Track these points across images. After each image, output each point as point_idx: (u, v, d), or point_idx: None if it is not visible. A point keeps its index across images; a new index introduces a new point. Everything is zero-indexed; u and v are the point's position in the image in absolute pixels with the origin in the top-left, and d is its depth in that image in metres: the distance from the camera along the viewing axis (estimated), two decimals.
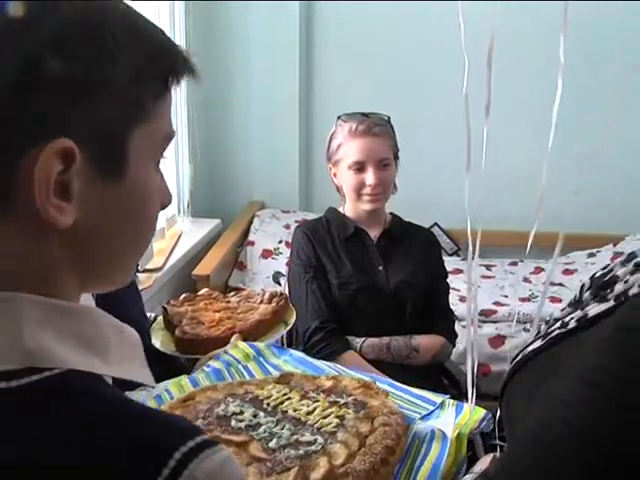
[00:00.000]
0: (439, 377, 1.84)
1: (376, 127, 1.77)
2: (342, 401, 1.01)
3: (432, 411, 1.04)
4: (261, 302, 1.50)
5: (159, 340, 1.39)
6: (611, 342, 0.54)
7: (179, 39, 2.65)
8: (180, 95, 2.69)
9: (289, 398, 1.03)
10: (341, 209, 1.90)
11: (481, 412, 1.01)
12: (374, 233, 1.86)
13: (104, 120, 0.52)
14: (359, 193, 1.78)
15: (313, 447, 0.89)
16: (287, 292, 1.99)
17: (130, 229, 0.59)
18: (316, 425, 0.95)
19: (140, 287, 1.93)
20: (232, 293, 1.62)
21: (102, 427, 0.49)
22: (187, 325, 1.40)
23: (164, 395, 1.13)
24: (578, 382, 0.55)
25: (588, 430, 0.52)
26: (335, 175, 1.85)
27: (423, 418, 1.01)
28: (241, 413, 1.00)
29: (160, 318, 1.48)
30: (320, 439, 0.91)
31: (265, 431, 0.94)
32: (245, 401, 1.03)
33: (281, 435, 0.93)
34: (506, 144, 3.09)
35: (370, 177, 1.74)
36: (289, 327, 1.45)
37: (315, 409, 0.99)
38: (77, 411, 0.49)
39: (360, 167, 1.75)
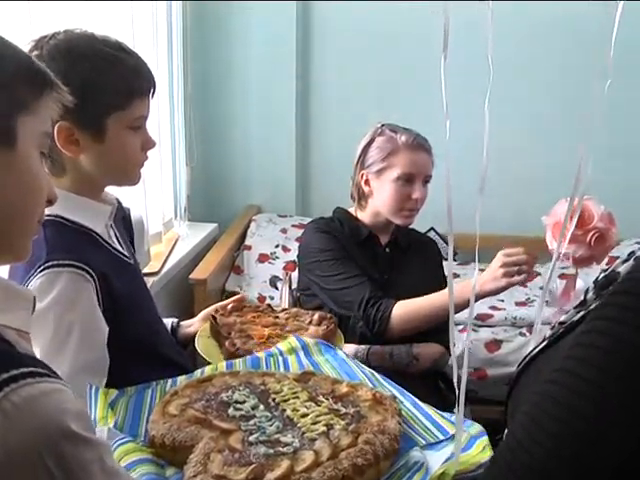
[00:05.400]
0: (436, 381, 1.84)
1: (427, 143, 1.77)
2: (343, 411, 0.99)
3: (440, 441, 0.97)
4: (310, 322, 1.50)
5: (205, 349, 1.39)
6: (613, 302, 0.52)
7: (176, 40, 2.65)
8: (177, 98, 2.69)
9: (297, 397, 1.03)
10: (352, 211, 1.88)
11: (486, 454, 0.90)
12: (383, 240, 1.86)
13: None
14: (401, 207, 1.76)
15: (285, 449, 0.89)
16: (287, 294, 1.98)
17: (20, 200, 0.71)
18: (303, 429, 0.94)
19: None
20: (280, 308, 1.63)
21: None
22: (237, 338, 1.40)
23: (196, 374, 1.17)
24: (576, 344, 0.52)
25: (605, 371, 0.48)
26: (367, 183, 1.80)
27: (427, 447, 0.96)
28: (242, 402, 1.01)
29: (207, 325, 1.48)
30: (297, 443, 0.90)
31: (255, 424, 0.95)
32: (254, 392, 1.04)
33: (265, 431, 0.93)
34: (504, 151, 3.10)
35: (417, 191, 1.74)
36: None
37: (310, 414, 0.98)
38: None
39: (408, 179, 1.74)
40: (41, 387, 0.61)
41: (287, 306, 1.96)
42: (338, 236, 1.80)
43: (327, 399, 1.03)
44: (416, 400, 1.10)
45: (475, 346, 2.52)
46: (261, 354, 1.25)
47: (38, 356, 1.06)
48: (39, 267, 1.10)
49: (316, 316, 1.52)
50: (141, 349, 1.26)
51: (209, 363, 1.36)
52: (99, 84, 1.12)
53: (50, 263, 1.11)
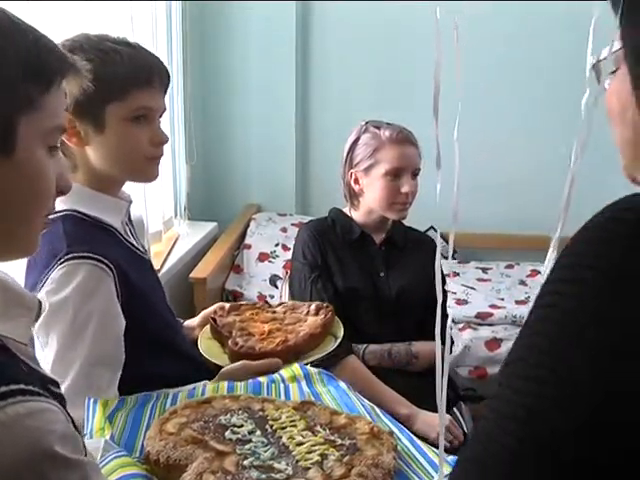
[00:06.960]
0: (435, 379, 1.84)
1: (412, 136, 1.77)
2: (339, 442, 0.99)
3: None
4: (307, 313, 1.51)
5: (209, 350, 1.40)
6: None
7: (176, 39, 2.65)
8: (177, 96, 2.70)
9: (294, 425, 1.03)
10: (346, 211, 1.88)
11: None
12: (378, 239, 1.85)
13: None
14: (392, 202, 1.75)
15: (278, 475, 0.89)
16: (288, 293, 1.99)
17: (21, 201, 0.69)
18: (297, 457, 0.94)
19: None
20: (276, 303, 1.62)
21: None
22: (239, 337, 1.40)
23: (197, 392, 1.17)
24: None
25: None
26: (357, 181, 1.79)
27: None
28: (240, 426, 1.01)
29: (207, 327, 1.48)
30: (290, 470, 0.90)
31: (250, 449, 0.95)
32: (252, 417, 1.04)
33: (260, 456, 0.93)
34: (503, 149, 3.11)
35: (406, 185, 1.72)
36: (339, 341, 1.43)
37: (306, 442, 0.98)
38: None
39: (397, 174, 1.72)
40: (29, 406, 0.59)
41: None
42: (327, 242, 1.79)
43: (324, 429, 1.03)
44: (413, 437, 1.09)
45: (475, 345, 2.52)
46: (263, 379, 1.24)
47: (55, 346, 1.07)
48: (59, 259, 1.12)
49: (313, 306, 1.52)
50: (157, 342, 1.26)
51: (215, 364, 1.37)
52: (95, 75, 1.13)
53: (70, 255, 1.12)
